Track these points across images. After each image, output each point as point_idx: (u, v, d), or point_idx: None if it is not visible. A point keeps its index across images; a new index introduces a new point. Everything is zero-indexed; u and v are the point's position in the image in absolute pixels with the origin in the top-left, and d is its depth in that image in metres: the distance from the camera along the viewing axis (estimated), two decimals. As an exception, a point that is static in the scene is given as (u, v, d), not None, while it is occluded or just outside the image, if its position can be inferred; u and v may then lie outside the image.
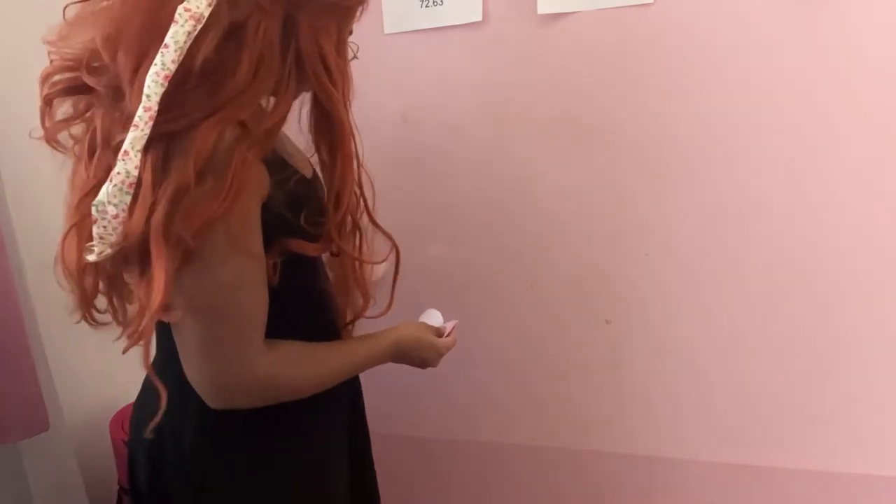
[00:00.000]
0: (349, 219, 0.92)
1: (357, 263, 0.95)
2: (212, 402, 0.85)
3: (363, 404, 1.15)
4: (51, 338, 1.34)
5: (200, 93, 0.75)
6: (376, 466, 1.17)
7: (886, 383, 1.26)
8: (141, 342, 0.81)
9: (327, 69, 0.83)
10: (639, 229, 1.34)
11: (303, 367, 0.91)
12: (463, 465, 1.60)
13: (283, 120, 0.82)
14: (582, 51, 1.30)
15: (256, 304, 0.84)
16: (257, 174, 0.79)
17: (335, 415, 1.04)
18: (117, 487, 1.41)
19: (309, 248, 0.88)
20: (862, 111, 1.18)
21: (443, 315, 1.16)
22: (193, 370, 0.84)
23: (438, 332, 1.11)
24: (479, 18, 1.33)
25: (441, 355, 1.08)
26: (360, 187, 0.95)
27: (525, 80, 1.35)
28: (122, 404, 1.46)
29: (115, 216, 0.74)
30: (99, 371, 1.42)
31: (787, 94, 1.21)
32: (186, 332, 0.82)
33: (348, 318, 1.02)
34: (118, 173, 0.73)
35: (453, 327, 1.13)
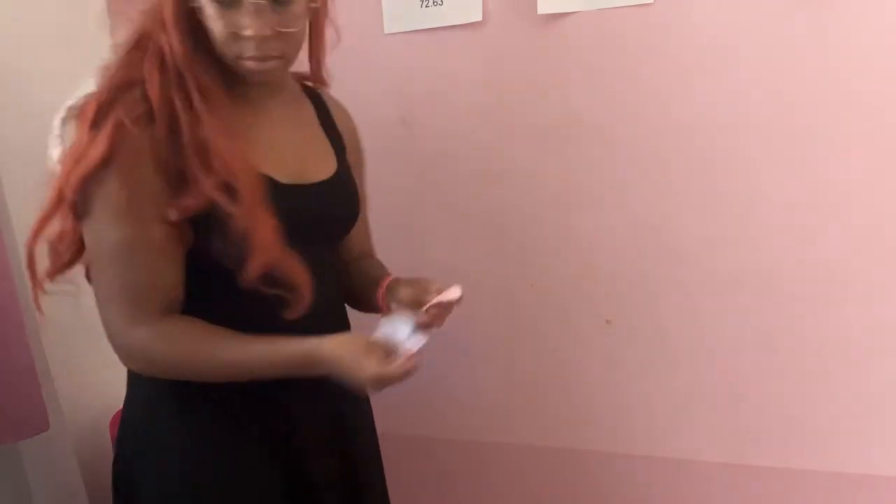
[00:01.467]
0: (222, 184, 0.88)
1: (248, 226, 0.87)
2: (120, 359, 0.93)
3: (356, 425, 1.11)
4: (51, 338, 1.34)
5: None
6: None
7: (887, 383, 1.26)
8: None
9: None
10: (639, 229, 1.34)
11: (186, 348, 0.90)
12: (463, 465, 1.60)
13: (155, 93, 0.86)
14: (582, 51, 1.30)
15: (145, 272, 0.87)
16: (137, 139, 0.85)
17: (258, 431, 0.98)
18: (117, 487, 1.41)
19: (181, 206, 0.87)
20: (863, 111, 1.18)
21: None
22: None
23: (390, 351, 0.91)
24: (479, 18, 1.33)
25: (374, 383, 0.89)
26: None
27: (525, 80, 1.35)
28: (122, 404, 1.46)
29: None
30: (99, 371, 1.42)
31: (787, 93, 1.21)
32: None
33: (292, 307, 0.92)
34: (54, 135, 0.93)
35: (417, 350, 0.92)
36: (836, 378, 1.28)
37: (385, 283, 1.05)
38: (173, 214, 0.86)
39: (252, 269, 0.86)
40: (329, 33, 1.05)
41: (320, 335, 0.90)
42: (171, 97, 0.88)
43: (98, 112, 0.86)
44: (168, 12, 0.88)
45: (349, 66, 1.44)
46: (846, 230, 1.23)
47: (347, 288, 1.11)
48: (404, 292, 1.02)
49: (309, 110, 1.09)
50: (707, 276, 1.32)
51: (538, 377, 1.48)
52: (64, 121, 0.94)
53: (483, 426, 1.56)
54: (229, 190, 0.86)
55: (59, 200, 0.88)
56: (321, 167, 1.03)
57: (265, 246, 0.87)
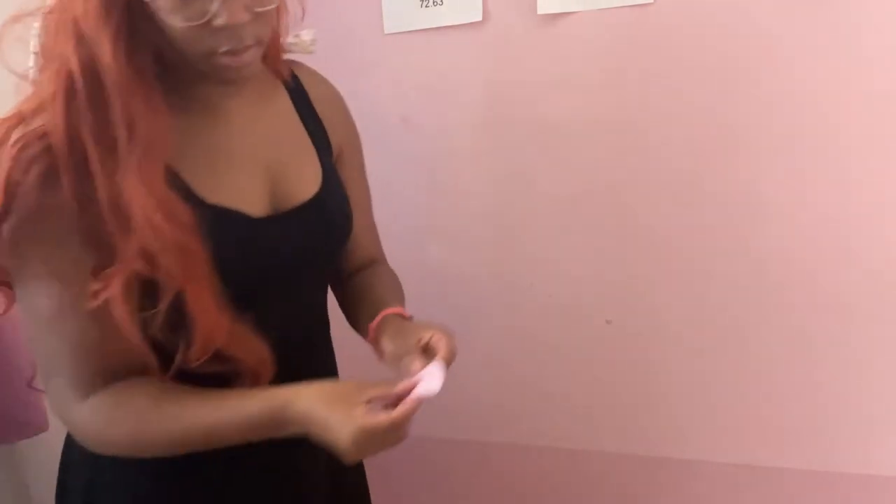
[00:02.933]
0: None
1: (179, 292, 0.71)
2: None
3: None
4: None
5: None
6: (375, 466, 1.17)
7: (887, 383, 1.26)
8: None
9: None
10: (639, 229, 1.34)
11: (130, 423, 0.74)
12: (463, 465, 1.60)
13: (58, 129, 0.66)
14: (582, 51, 1.30)
15: (81, 336, 0.71)
16: (37, 199, 0.67)
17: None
18: (117, 487, 1.41)
19: (105, 278, 0.69)
20: (864, 110, 1.18)
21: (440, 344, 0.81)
22: None
23: (384, 397, 0.71)
24: (479, 18, 1.33)
25: (355, 443, 0.68)
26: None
27: (525, 80, 1.35)
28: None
29: None
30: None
31: (788, 93, 1.21)
32: None
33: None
34: None
35: (416, 399, 0.70)
36: (837, 378, 1.28)
37: (379, 319, 0.89)
38: (92, 294, 0.68)
39: (194, 355, 0.72)
40: (293, 4, 0.86)
41: (296, 382, 0.74)
42: (81, 137, 0.67)
43: None
44: (90, 8, 0.65)
45: (349, 66, 1.44)
46: (848, 231, 1.23)
47: (342, 301, 1.00)
48: (387, 346, 0.85)
49: (282, 101, 0.89)
50: (707, 276, 1.32)
51: (538, 377, 1.48)
52: None
53: (483, 426, 1.56)
54: (154, 261, 0.69)
55: None
56: (301, 184, 0.85)
57: (207, 329, 0.71)
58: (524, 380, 1.50)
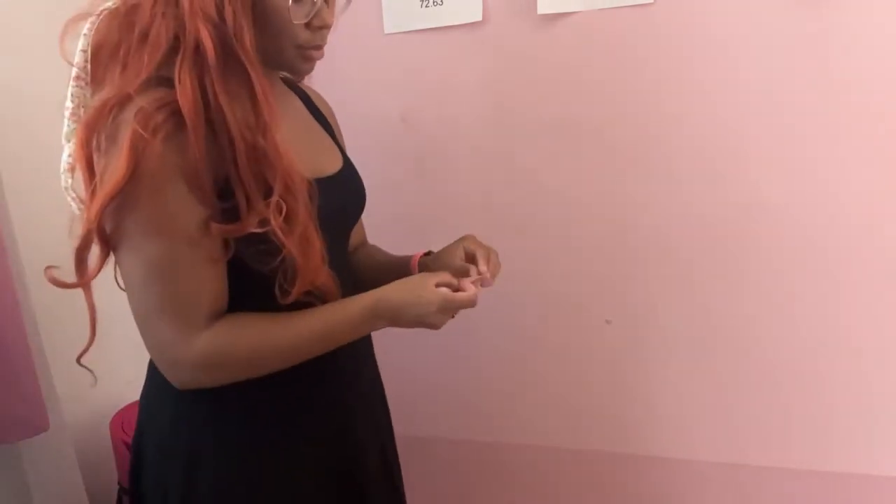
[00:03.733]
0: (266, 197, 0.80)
1: (297, 241, 0.81)
2: (170, 380, 0.87)
3: (390, 426, 1.10)
4: (51, 338, 1.34)
5: (108, 78, 0.81)
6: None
7: (887, 383, 1.26)
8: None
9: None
10: (639, 229, 1.34)
11: (251, 339, 0.85)
12: (462, 465, 1.60)
13: (188, 99, 0.76)
14: (582, 51, 1.30)
15: (192, 283, 0.82)
16: (162, 153, 0.76)
17: (310, 420, 0.95)
18: (117, 487, 1.41)
19: (227, 229, 0.80)
20: (862, 110, 1.18)
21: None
22: (147, 350, 0.86)
23: (450, 285, 0.91)
24: (479, 18, 1.33)
25: (445, 311, 0.90)
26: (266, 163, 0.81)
27: (525, 80, 1.35)
28: (123, 404, 1.46)
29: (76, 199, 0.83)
30: (99, 371, 1.42)
31: (788, 93, 1.21)
32: (132, 312, 0.85)
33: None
34: (64, 159, 0.83)
35: (474, 281, 0.94)
36: (836, 378, 1.29)
37: (414, 262, 1.05)
38: (216, 231, 0.79)
39: (297, 291, 0.83)
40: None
41: (365, 358, 0.99)
42: (214, 103, 0.77)
43: (109, 120, 0.77)
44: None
45: (349, 65, 1.44)
46: (847, 230, 1.23)
47: (355, 277, 1.09)
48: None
49: (300, 104, 1.04)
50: (706, 275, 1.32)
51: (538, 377, 1.48)
52: (69, 124, 0.86)
53: (483, 426, 1.56)
54: (284, 212, 0.80)
55: (87, 233, 0.79)
56: (331, 159, 1.00)
57: (313, 271, 0.83)
58: (524, 379, 1.50)
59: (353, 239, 1.10)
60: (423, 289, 0.89)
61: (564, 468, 1.52)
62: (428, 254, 1.05)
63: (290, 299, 0.83)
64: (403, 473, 1.15)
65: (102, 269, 0.82)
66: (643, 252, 1.35)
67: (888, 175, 1.19)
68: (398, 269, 1.05)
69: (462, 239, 1.02)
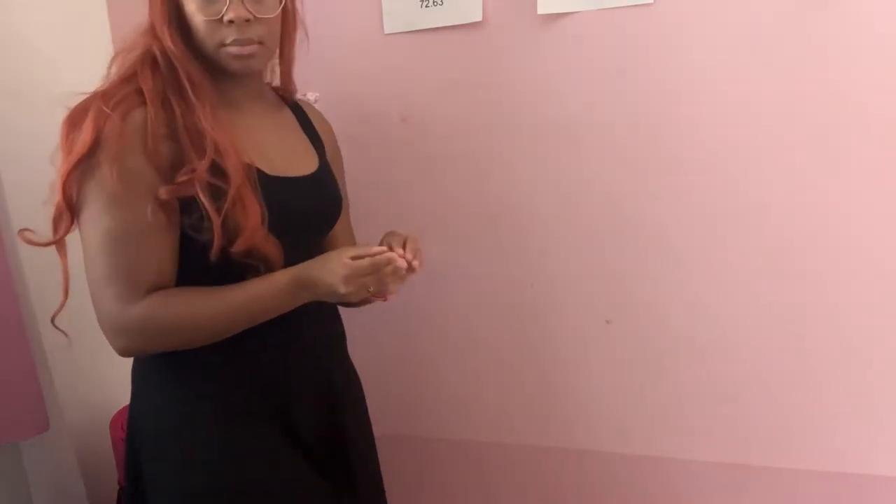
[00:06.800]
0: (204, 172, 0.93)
1: (232, 212, 0.93)
2: (112, 346, 0.95)
3: (348, 406, 1.15)
4: (51, 338, 1.34)
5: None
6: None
7: (886, 383, 1.26)
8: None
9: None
10: (639, 229, 1.34)
11: (182, 307, 0.94)
12: (462, 465, 1.60)
13: (147, 81, 0.94)
14: (582, 51, 1.30)
15: (141, 253, 0.92)
16: (122, 125, 0.90)
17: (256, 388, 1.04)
18: (117, 487, 1.41)
19: (173, 189, 0.92)
20: (862, 112, 1.18)
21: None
22: (96, 317, 0.95)
23: (362, 256, 0.96)
24: (479, 19, 1.33)
25: (349, 280, 0.94)
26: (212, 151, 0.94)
27: (525, 80, 1.35)
28: (122, 404, 1.46)
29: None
30: (99, 371, 1.42)
31: (787, 94, 1.21)
32: (87, 282, 0.95)
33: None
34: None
35: (380, 252, 0.96)
36: (837, 378, 1.29)
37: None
38: (164, 193, 0.90)
39: (236, 250, 0.92)
40: (299, 34, 1.10)
41: (310, 322, 1.05)
42: (164, 88, 0.94)
43: (83, 109, 0.92)
44: (156, 12, 0.96)
45: (349, 66, 1.44)
46: (847, 231, 1.23)
47: None
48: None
49: (290, 117, 1.14)
50: (706, 276, 1.32)
51: (538, 377, 1.48)
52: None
53: (483, 426, 1.56)
54: (221, 174, 0.92)
55: (58, 201, 0.92)
56: (304, 163, 1.09)
57: (251, 229, 0.93)
58: (524, 380, 1.50)
59: (336, 246, 1.15)
60: (333, 261, 0.96)
61: (564, 468, 1.52)
62: None
63: (234, 257, 0.92)
64: (398, 474, 1.16)
65: (70, 231, 0.94)
66: (643, 252, 1.35)
67: (889, 175, 1.19)
68: None
69: (386, 234, 1.07)
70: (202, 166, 0.91)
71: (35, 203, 0.96)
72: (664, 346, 1.38)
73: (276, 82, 1.17)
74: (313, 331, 1.10)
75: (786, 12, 1.18)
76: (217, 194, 0.92)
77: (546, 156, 1.37)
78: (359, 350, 1.27)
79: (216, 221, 0.91)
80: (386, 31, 1.41)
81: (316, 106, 1.24)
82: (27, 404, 1.28)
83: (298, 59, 1.14)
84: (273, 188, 0.98)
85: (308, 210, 1.06)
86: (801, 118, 1.21)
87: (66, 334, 1.02)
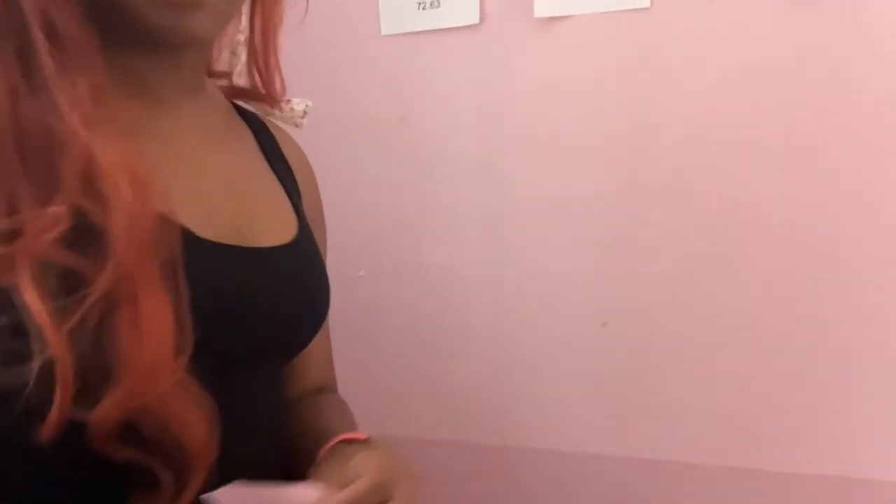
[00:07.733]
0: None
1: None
2: None
3: None
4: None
5: None
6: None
7: (887, 386, 1.26)
8: None
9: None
10: (636, 232, 1.34)
11: None
12: (459, 467, 1.60)
13: None
14: (580, 53, 1.30)
15: None
16: None
17: None
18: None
19: None
20: (862, 113, 1.18)
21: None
22: None
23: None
24: (477, 21, 1.34)
25: None
26: None
27: (521, 82, 1.35)
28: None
29: None
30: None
31: (787, 97, 1.21)
32: None
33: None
34: None
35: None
36: (837, 382, 1.29)
37: (332, 444, 0.67)
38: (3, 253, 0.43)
39: (105, 409, 0.43)
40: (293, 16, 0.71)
41: None
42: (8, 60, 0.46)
43: None
44: None
45: (346, 67, 1.45)
46: (845, 234, 1.23)
47: (285, 436, 0.70)
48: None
49: (246, 137, 0.68)
50: (705, 278, 1.32)
51: (536, 378, 1.48)
52: None
53: (479, 427, 1.56)
54: (91, 233, 0.45)
55: None
56: (271, 224, 0.62)
57: (147, 364, 0.44)
58: (519, 382, 1.50)
59: (306, 379, 0.73)
60: None
61: (560, 471, 1.52)
62: (350, 441, 0.70)
63: (101, 430, 0.44)
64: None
65: None
66: (640, 255, 1.35)
67: (890, 178, 1.19)
68: (309, 448, 0.67)
69: (356, 462, 0.66)
70: (49, 215, 0.43)
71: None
72: (661, 348, 1.38)
73: (240, 79, 0.72)
74: None
75: (783, 15, 1.18)
76: (74, 282, 0.43)
77: (542, 158, 1.37)
78: (359, 350, 1.27)
79: (60, 347, 0.41)
80: (383, 33, 1.41)
81: (305, 121, 0.76)
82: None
83: (291, 58, 0.75)
84: (209, 269, 0.52)
85: (275, 314, 0.58)
86: (801, 120, 1.21)
87: None
